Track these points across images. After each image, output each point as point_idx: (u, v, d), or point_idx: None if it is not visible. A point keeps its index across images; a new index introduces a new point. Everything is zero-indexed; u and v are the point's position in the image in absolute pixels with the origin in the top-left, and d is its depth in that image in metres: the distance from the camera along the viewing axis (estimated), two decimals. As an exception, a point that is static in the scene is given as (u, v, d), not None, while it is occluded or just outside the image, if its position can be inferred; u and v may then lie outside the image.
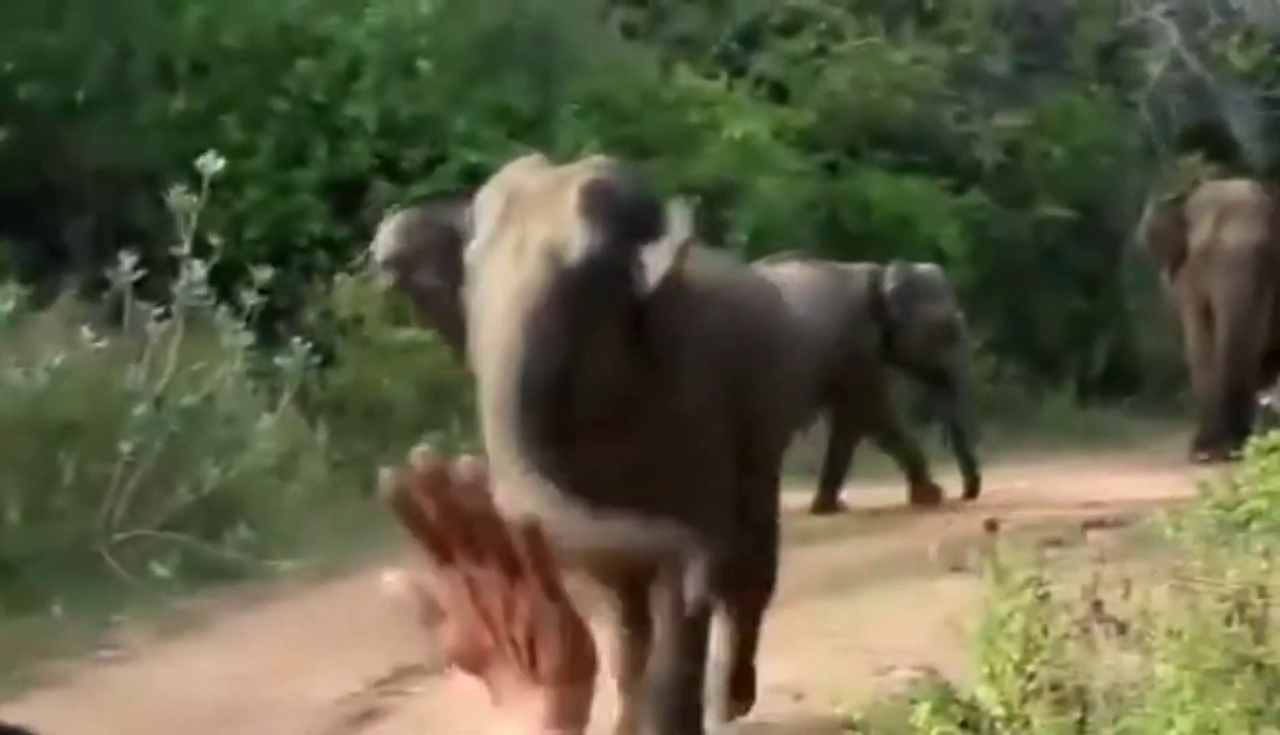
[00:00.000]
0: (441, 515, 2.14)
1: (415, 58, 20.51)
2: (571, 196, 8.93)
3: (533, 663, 2.17)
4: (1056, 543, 12.30)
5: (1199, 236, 20.64)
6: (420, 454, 2.14)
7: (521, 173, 9.45)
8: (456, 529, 2.14)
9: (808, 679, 10.97)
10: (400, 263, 9.76)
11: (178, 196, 15.54)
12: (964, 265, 22.09)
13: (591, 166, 9.55)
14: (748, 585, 10.52)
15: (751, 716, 11.10)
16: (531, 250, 8.88)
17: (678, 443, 9.32)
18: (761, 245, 20.64)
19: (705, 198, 20.83)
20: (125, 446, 14.81)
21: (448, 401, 17.90)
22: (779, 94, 22.20)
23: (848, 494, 18.89)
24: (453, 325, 9.63)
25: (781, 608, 13.41)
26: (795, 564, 15.09)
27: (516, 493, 8.25)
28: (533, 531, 2.17)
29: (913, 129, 22.65)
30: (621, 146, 20.72)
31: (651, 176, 9.84)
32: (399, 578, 2.16)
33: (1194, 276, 20.63)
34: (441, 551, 2.15)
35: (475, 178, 19.89)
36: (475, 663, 2.22)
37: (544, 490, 8.50)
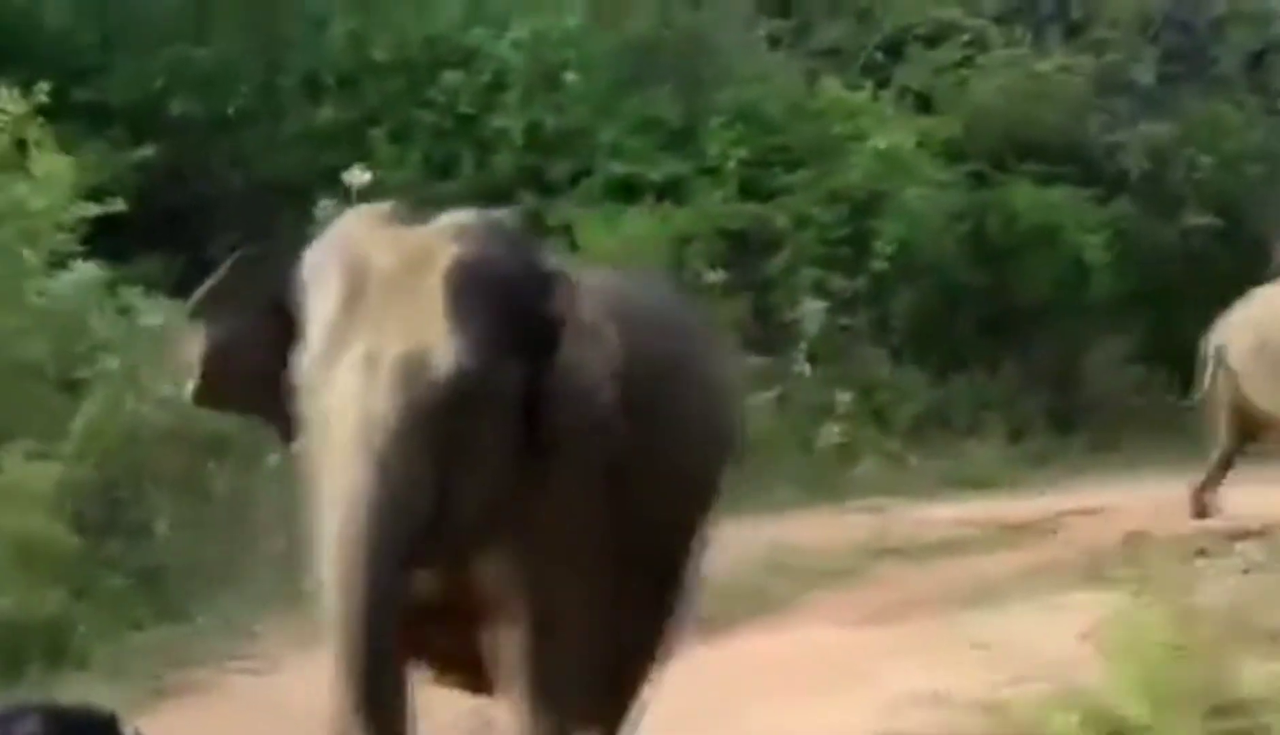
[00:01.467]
0: None
1: (561, 70, 20.58)
2: (434, 287, 6.93)
3: None
4: (1202, 553, 12.33)
5: None
6: None
7: (367, 240, 7.16)
8: None
9: (949, 687, 10.82)
10: (212, 335, 7.34)
11: (325, 209, 15.74)
12: (1109, 275, 22.05)
13: (455, 234, 7.17)
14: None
15: (893, 723, 10.79)
16: (386, 366, 6.84)
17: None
18: (907, 255, 20.77)
19: (852, 207, 21.01)
20: (272, 458, 14.80)
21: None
22: (924, 104, 22.23)
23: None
24: (272, 413, 7.40)
25: (926, 616, 13.48)
26: (941, 574, 15.18)
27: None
28: None
29: (1059, 139, 22.60)
30: (767, 157, 20.88)
31: (522, 219, 8.22)
32: None
33: None
34: None
35: (625, 189, 20.27)
36: None
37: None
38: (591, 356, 6.96)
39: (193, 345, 7.33)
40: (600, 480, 7.13)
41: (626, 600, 7.52)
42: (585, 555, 7.42)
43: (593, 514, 7.20)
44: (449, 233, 7.14)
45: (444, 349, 6.74)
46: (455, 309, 6.79)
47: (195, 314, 7.39)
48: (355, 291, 6.91)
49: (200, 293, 7.42)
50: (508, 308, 6.80)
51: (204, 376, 7.37)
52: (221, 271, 7.41)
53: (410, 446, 6.77)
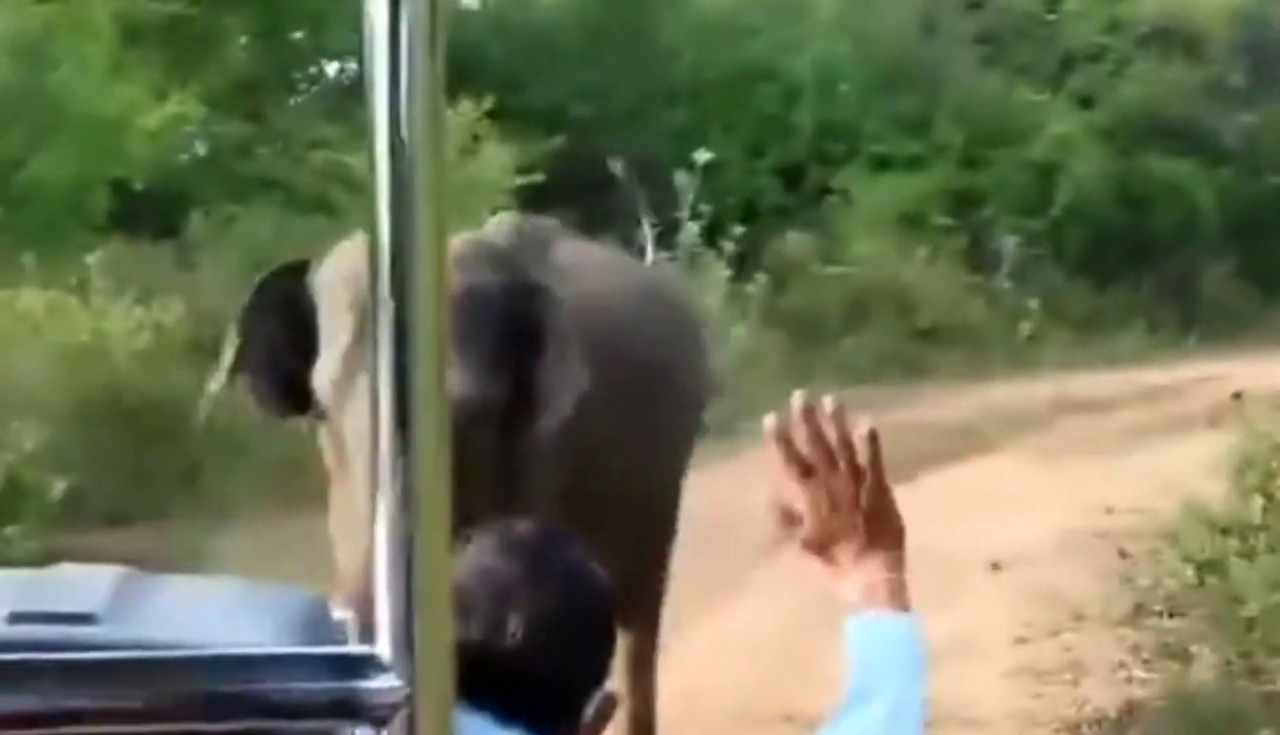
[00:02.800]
0: (810, 439, 2.26)
1: (837, 82, 20.63)
2: None
3: (869, 538, 2.37)
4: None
5: None
6: (798, 396, 2.22)
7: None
8: (820, 448, 2.27)
9: (1115, 501, 10.54)
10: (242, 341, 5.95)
11: (681, 180, 16.07)
12: (1215, 218, 21.85)
13: (454, 262, 5.44)
14: None
15: (1079, 524, 10.62)
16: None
17: None
18: (1076, 205, 20.80)
19: (1038, 173, 21.07)
20: None
21: (861, 313, 18.32)
22: (1086, 102, 22.12)
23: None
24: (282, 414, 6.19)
25: (1095, 452, 13.47)
26: (1105, 422, 15.10)
27: None
28: (873, 438, 2.31)
29: (1180, 125, 22.37)
30: (980, 140, 20.97)
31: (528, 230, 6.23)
32: (775, 418, 2.22)
33: None
34: (805, 469, 2.28)
35: (880, 163, 20.52)
36: (823, 546, 2.38)
37: None
38: (569, 364, 5.62)
39: (228, 349, 6.04)
40: (571, 462, 5.78)
41: (626, 540, 5.77)
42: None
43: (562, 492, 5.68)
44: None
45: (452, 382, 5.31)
46: (457, 342, 5.26)
47: (238, 322, 5.94)
48: (366, 321, 5.67)
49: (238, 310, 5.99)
50: (497, 329, 5.53)
51: (230, 375, 5.96)
52: (251, 291, 6.06)
53: None
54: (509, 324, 5.55)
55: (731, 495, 12.67)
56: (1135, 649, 8.54)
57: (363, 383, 5.19)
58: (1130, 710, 8.12)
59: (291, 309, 5.82)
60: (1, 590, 2.26)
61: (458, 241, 5.75)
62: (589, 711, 2.59)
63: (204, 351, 9.81)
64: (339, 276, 5.76)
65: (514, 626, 2.51)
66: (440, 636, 1.42)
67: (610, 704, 2.64)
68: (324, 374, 5.68)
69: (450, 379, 3.02)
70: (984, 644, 9.27)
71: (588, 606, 2.65)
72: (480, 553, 2.61)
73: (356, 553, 5.26)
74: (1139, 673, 8.32)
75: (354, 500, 5.59)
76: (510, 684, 2.45)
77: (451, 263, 5.06)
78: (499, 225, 6.38)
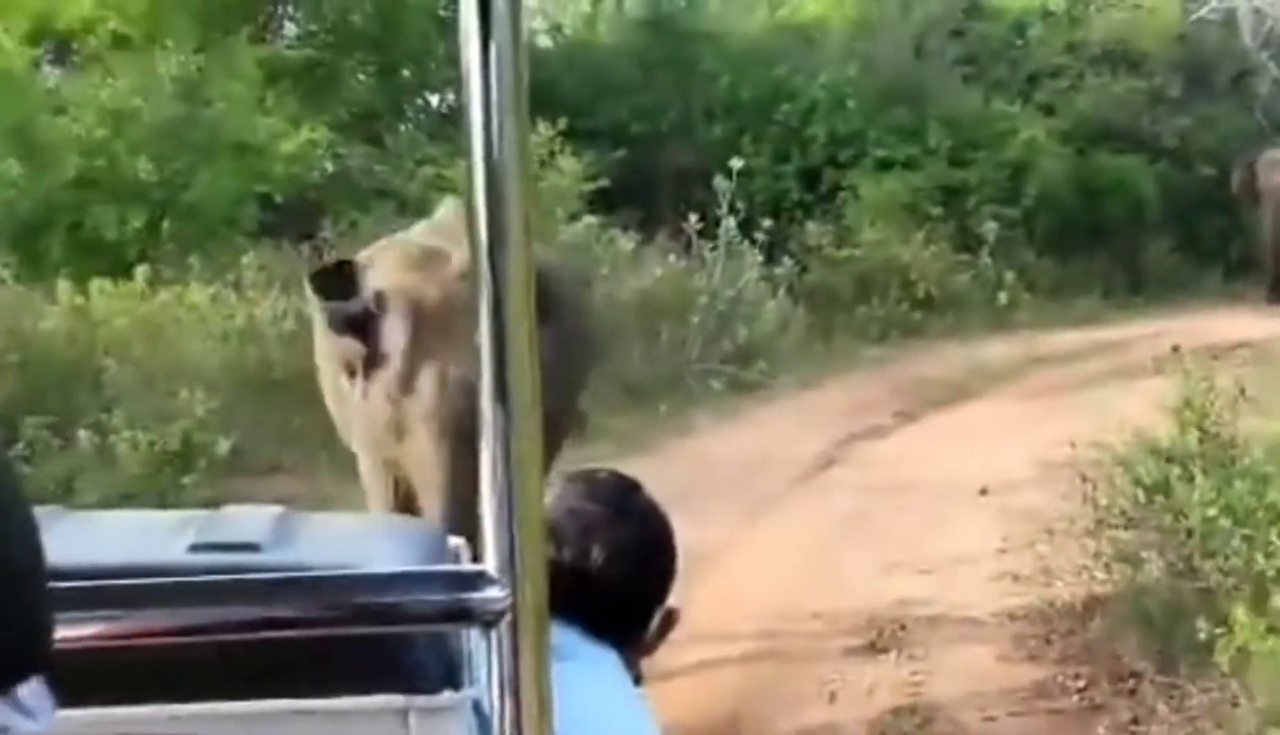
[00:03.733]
0: None
1: (847, 99, 20.48)
2: (457, 319, 5.82)
3: None
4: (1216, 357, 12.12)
5: None
6: None
7: (416, 276, 6.13)
8: None
9: (1077, 435, 10.24)
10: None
11: (719, 182, 16.03)
12: (1157, 205, 21.79)
13: (460, 270, 5.91)
14: None
15: (1049, 456, 10.49)
16: (449, 383, 5.88)
17: None
18: (1042, 196, 20.70)
19: (1011, 171, 20.96)
20: (694, 318, 15.07)
21: (869, 287, 18.38)
22: (1049, 111, 21.96)
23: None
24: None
25: (1058, 396, 13.47)
26: (1065, 372, 15.08)
27: None
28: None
29: (1126, 128, 22.26)
30: (963, 144, 20.87)
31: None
32: None
33: None
34: None
35: (883, 164, 20.52)
36: None
37: None
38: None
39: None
40: None
41: None
42: None
43: None
44: (456, 268, 6.01)
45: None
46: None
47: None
48: (417, 323, 5.98)
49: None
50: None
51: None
52: (307, 282, 6.51)
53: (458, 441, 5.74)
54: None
55: (769, 437, 12.81)
56: (1096, 556, 8.57)
57: (425, 375, 5.95)
58: (1092, 605, 8.16)
59: (347, 288, 6.06)
60: (182, 527, 2.29)
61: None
62: (654, 624, 2.71)
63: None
64: (386, 282, 6.09)
65: (596, 555, 2.60)
66: (535, 556, 1.44)
67: (671, 619, 2.75)
68: (391, 368, 5.96)
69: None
70: (974, 554, 9.32)
71: (654, 540, 2.74)
72: (568, 495, 2.67)
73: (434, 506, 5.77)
74: (1099, 575, 8.36)
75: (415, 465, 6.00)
76: (593, 602, 2.52)
77: (462, 270, 5.77)
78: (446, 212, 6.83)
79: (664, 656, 2.86)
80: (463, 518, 5.55)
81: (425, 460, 5.96)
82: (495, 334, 1.41)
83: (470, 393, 4.51)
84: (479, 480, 1.45)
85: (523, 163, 1.40)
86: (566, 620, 2.36)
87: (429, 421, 5.95)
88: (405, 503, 6.11)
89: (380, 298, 6.07)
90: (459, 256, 5.99)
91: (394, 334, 6.03)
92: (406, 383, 6.01)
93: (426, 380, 5.98)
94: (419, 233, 6.79)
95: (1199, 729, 6.47)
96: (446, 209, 7.04)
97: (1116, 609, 7.67)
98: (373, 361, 6.08)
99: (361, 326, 6.08)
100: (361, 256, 6.45)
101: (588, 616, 2.51)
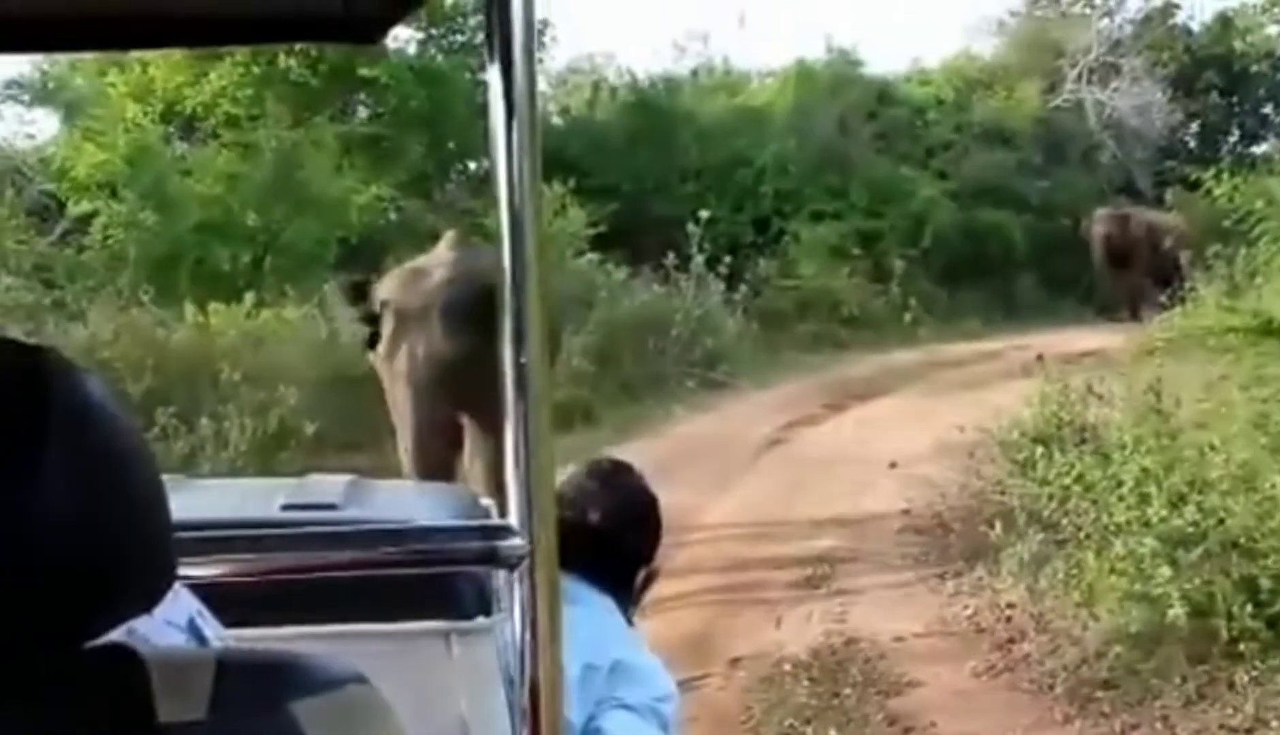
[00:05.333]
0: None
1: (787, 165, 20.51)
2: (438, 312, 6.79)
3: None
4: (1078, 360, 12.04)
5: None
6: None
7: (401, 289, 7.05)
8: None
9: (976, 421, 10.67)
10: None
11: (690, 228, 15.97)
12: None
13: (450, 278, 6.91)
14: None
15: (945, 440, 10.34)
16: (420, 361, 6.83)
17: None
18: (938, 245, 20.64)
19: (915, 220, 20.92)
20: (673, 332, 14.54)
21: (806, 310, 18.41)
22: (943, 176, 21.99)
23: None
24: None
25: (928, 395, 13.54)
26: (933, 379, 15.08)
27: None
28: None
29: (1008, 188, 22.34)
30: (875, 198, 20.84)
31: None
32: None
33: None
34: None
35: (819, 218, 20.55)
36: None
37: None
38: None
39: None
40: None
41: None
42: None
43: None
44: (434, 281, 6.86)
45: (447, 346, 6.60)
46: (452, 325, 6.57)
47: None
48: (399, 320, 6.82)
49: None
50: (478, 315, 5.82)
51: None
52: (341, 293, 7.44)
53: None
54: (480, 310, 5.70)
55: (730, 423, 12.82)
56: (980, 514, 8.52)
57: (401, 353, 6.77)
58: (976, 553, 8.09)
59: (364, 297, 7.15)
60: (277, 491, 2.29)
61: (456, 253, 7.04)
62: (639, 579, 2.71)
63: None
64: (385, 297, 6.97)
65: (592, 517, 2.62)
66: (548, 513, 1.44)
67: (652, 576, 2.75)
68: (382, 346, 6.88)
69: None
70: (885, 513, 9.31)
71: (639, 508, 2.75)
72: (575, 473, 2.72)
73: (406, 443, 6.75)
74: (982, 529, 8.25)
75: (399, 415, 6.85)
76: (590, 556, 2.52)
77: (452, 278, 6.71)
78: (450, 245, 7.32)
79: (653, 589, 2.85)
80: (418, 448, 6.71)
81: (401, 408, 6.87)
82: (515, 342, 1.41)
83: (434, 365, 6.59)
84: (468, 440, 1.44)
85: (538, 213, 1.40)
86: (574, 573, 2.38)
87: (403, 382, 6.80)
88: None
89: (382, 305, 7.00)
90: (439, 273, 6.95)
91: (386, 326, 6.92)
92: (391, 357, 6.88)
93: (403, 356, 6.81)
94: (420, 259, 7.43)
95: (1058, 646, 6.47)
96: (444, 241, 7.47)
97: (996, 556, 7.66)
98: (377, 345, 7.02)
99: (374, 322, 7.06)
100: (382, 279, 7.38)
101: (587, 568, 2.51)
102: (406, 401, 6.78)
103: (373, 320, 7.07)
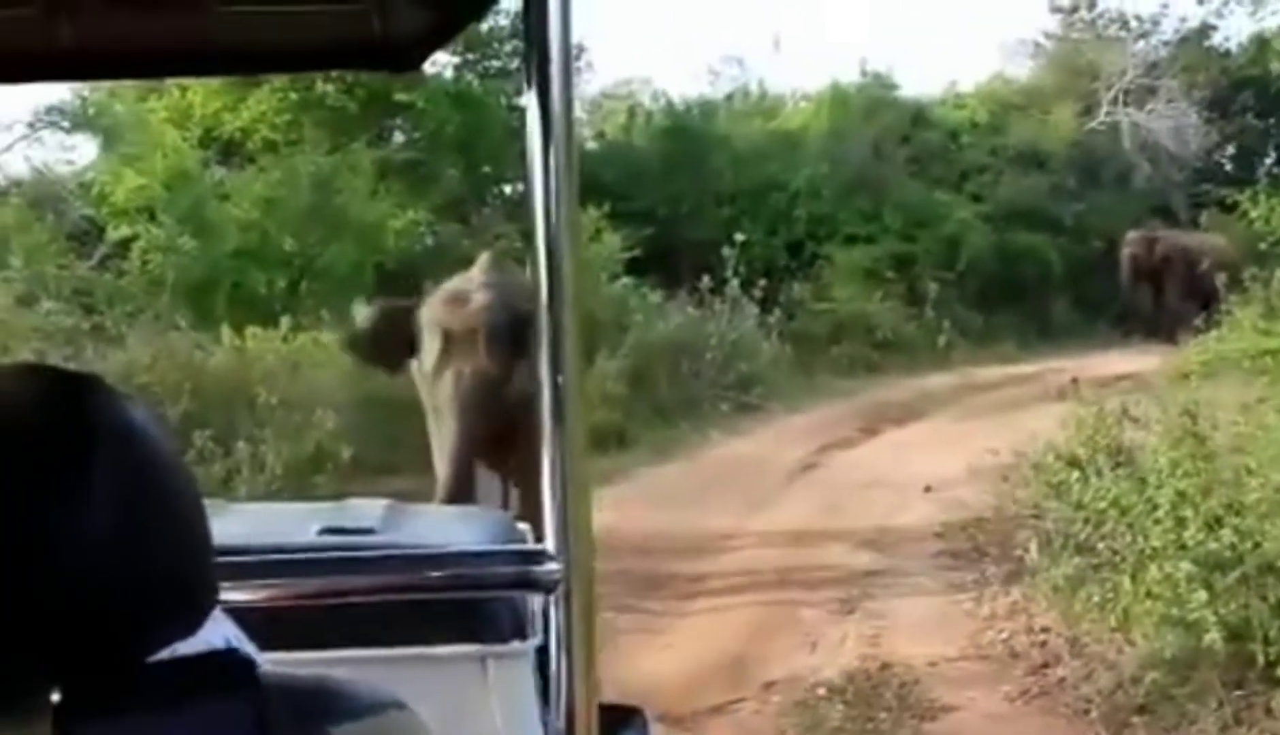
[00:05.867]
0: None
1: (821, 188, 20.53)
2: (480, 331, 6.94)
3: None
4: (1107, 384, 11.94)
5: None
6: None
7: (445, 311, 7.18)
8: None
9: (1006, 448, 10.29)
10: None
11: (726, 251, 15.99)
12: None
13: (485, 304, 7.03)
14: None
15: (975, 464, 10.42)
16: (464, 381, 6.92)
17: None
18: (973, 268, 20.54)
19: (949, 243, 20.86)
20: (707, 356, 14.50)
21: (840, 333, 18.40)
22: (977, 199, 21.96)
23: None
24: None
25: (967, 418, 13.52)
26: (965, 402, 15.02)
27: None
28: None
29: (1042, 211, 22.32)
30: (909, 222, 20.78)
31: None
32: None
33: None
34: None
35: (852, 242, 20.56)
36: None
37: None
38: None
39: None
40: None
41: None
42: None
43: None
44: (474, 305, 6.95)
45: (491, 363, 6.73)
46: (494, 343, 6.71)
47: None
48: (445, 341, 6.90)
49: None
50: (513, 335, 6.50)
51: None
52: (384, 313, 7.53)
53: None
54: (515, 330, 6.45)
55: (764, 447, 12.78)
56: (1015, 538, 8.49)
57: (447, 373, 6.82)
58: (1012, 577, 8.04)
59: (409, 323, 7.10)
60: (314, 515, 2.29)
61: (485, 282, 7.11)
62: None
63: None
64: (431, 319, 7.03)
65: None
66: (585, 536, 1.43)
67: None
68: (426, 365, 6.94)
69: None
70: (919, 535, 9.28)
71: None
72: None
73: (444, 469, 6.75)
74: (1017, 552, 8.23)
75: (440, 437, 6.89)
76: None
77: (487, 304, 6.85)
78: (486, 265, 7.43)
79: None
80: (458, 463, 6.75)
81: (446, 427, 6.86)
82: (551, 366, 1.41)
83: (480, 386, 6.63)
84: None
85: (574, 237, 1.40)
86: None
87: (449, 404, 6.82)
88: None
89: (427, 326, 7.06)
90: (478, 297, 7.01)
91: (431, 348, 6.96)
92: (437, 379, 6.92)
93: (448, 378, 6.85)
94: (454, 282, 7.45)
95: (1093, 670, 6.43)
96: (479, 264, 7.53)
97: (1031, 580, 7.62)
98: (423, 366, 7.07)
99: (412, 344, 7.11)
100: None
101: None
102: (452, 418, 6.82)
103: (411, 343, 7.11)
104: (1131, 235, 20.31)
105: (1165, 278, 19.62)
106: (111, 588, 0.90)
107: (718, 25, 42.35)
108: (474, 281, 7.25)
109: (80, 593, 0.88)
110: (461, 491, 6.65)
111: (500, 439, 6.67)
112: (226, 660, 0.96)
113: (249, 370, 11.54)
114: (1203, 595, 5.88)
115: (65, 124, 16.27)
